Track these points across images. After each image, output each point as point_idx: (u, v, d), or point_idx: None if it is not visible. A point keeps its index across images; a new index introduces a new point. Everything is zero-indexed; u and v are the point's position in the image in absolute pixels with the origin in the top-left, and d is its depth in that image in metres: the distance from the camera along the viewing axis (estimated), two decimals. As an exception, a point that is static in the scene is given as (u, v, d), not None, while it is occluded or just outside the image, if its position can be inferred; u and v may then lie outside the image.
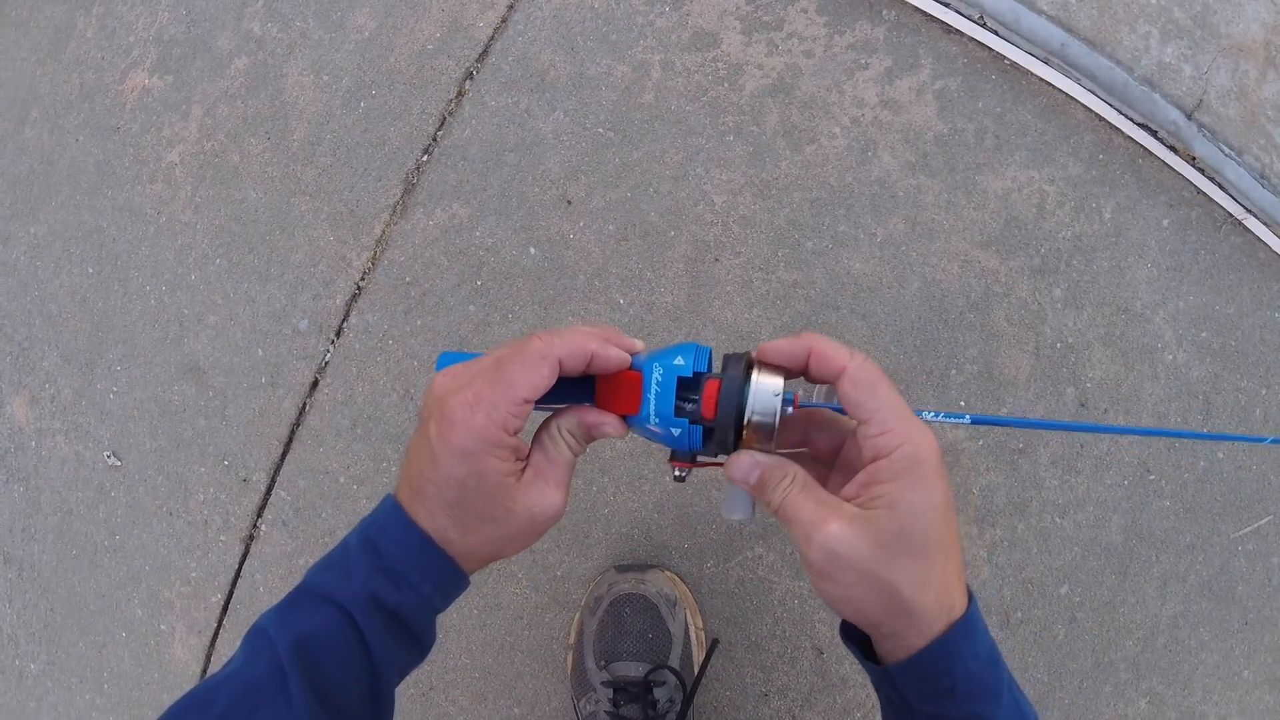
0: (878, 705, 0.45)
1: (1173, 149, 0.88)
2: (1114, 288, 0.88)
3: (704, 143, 0.91)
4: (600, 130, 0.92)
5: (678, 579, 0.85)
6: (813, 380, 0.41)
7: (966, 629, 0.39)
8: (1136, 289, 0.89)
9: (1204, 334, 0.89)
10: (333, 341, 0.93)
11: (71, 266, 1.03)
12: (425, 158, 0.94)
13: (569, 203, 0.91)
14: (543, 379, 0.39)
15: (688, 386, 0.41)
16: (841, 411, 0.41)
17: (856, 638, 0.43)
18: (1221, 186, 0.88)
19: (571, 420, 0.43)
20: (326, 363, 0.93)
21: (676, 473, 0.44)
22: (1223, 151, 0.86)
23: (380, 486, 0.91)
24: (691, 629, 0.82)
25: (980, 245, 0.88)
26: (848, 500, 0.39)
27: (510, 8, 0.95)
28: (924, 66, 0.90)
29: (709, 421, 0.40)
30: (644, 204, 0.91)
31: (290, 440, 0.93)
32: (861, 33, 0.91)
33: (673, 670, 0.76)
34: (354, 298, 0.94)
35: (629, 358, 0.42)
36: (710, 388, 0.40)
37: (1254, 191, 0.86)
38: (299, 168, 0.97)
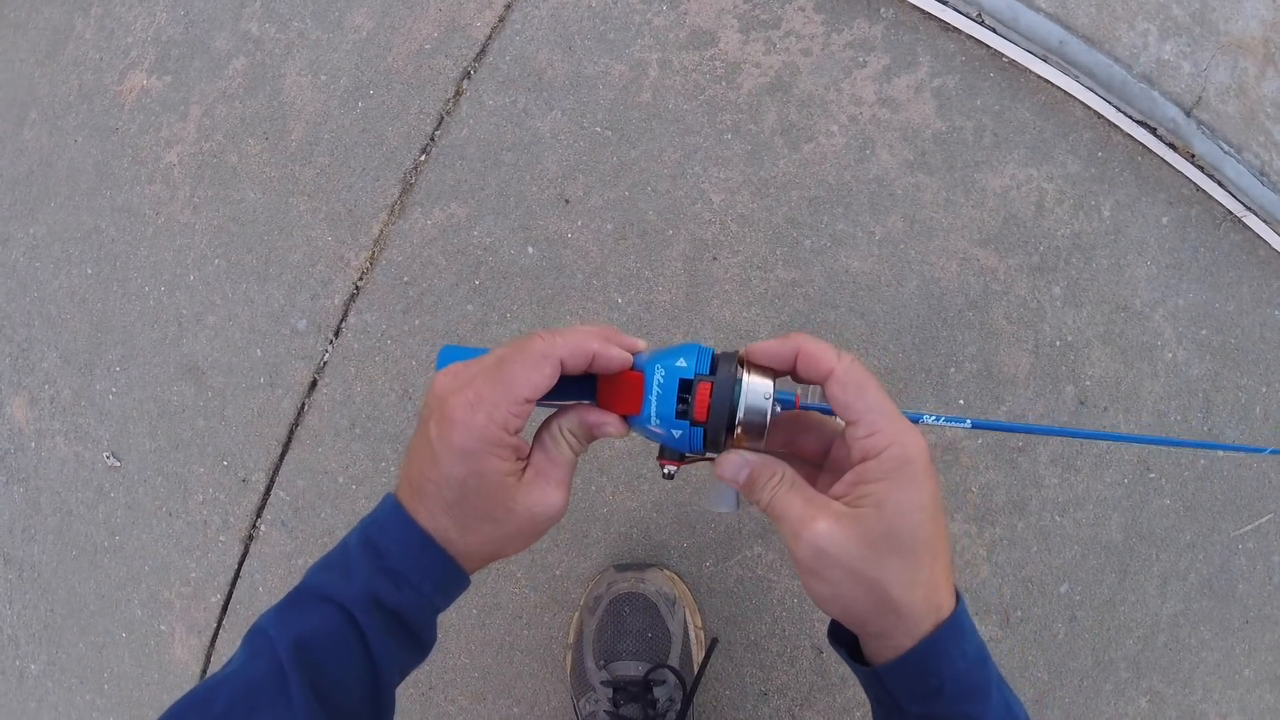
0: (875, 705, 0.45)
1: (1172, 146, 0.88)
2: (1113, 285, 0.88)
3: (702, 141, 0.91)
4: (598, 129, 0.92)
5: (677, 578, 0.85)
6: (800, 381, 0.41)
7: (954, 629, 0.39)
8: (1136, 287, 0.88)
9: (1204, 332, 0.89)
10: (331, 341, 0.93)
11: (70, 267, 1.03)
12: (423, 157, 0.94)
13: (567, 202, 0.91)
14: (544, 379, 0.39)
15: (689, 389, 0.41)
16: (831, 413, 0.41)
17: (845, 639, 0.43)
18: (1221, 184, 0.88)
19: (573, 420, 0.43)
20: (325, 362, 0.93)
21: (666, 470, 0.44)
22: (1222, 149, 0.86)
23: (379, 486, 0.91)
24: (691, 628, 0.82)
25: (979, 243, 0.88)
26: (836, 499, 0.39)
27: (508, 7, 0.95)
28: (922, 64, 0.90)
29: (700, 423, 0.40)
30: (642, 203, 0.91)
31: (289, 440, 0.93)
32: (859, 31, 0.91)
33: (672, 669, 0.76)
34: (352, 297, 0.93)
35: (630, 357, 0.42)
36: (702, 390, 0.40)
37: (1253, 189, 0.86)
38: (297, 168, 0.97)
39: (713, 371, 0.41)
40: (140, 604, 0.97)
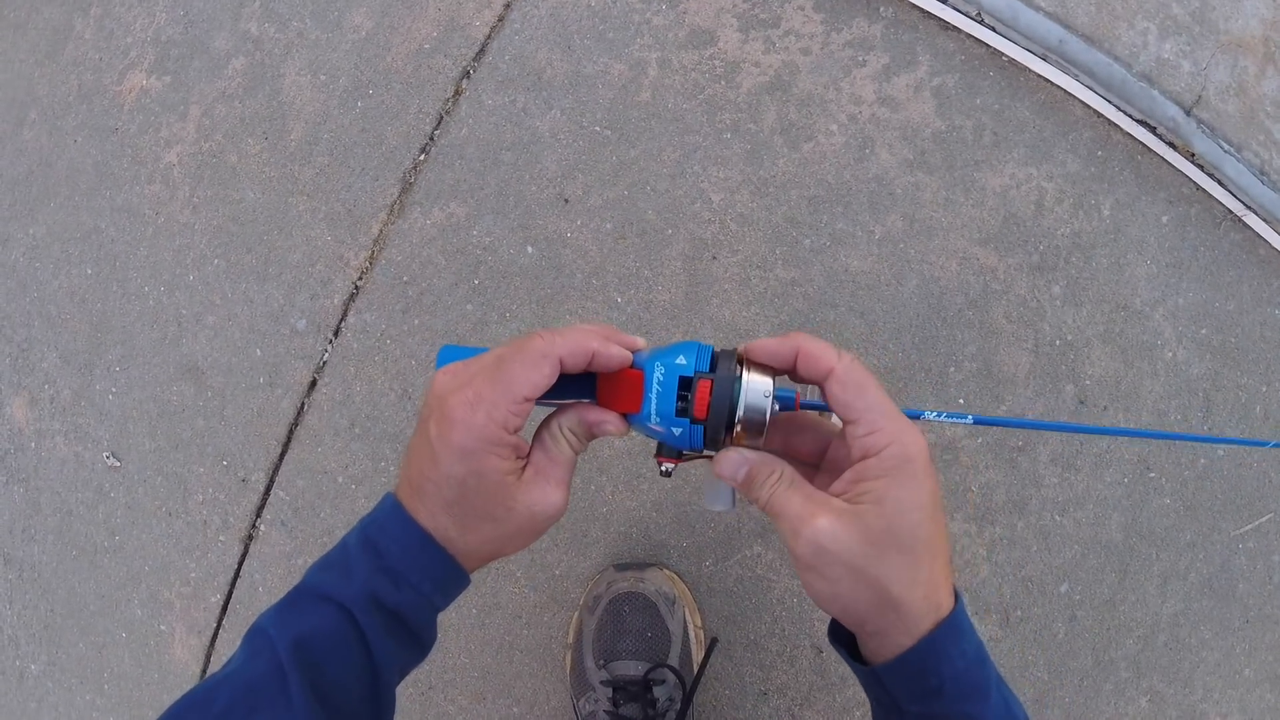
0: (875, 704, 0.45)
1: (1172, 145, 0.88)
2: (1113, 285, 0.88)
3: (701, 141, 0.91)
4: (597, 129, 0.92)
5: (676, 577, 0.85)
6: (799, 380, 0.40)
7: (953, 628, 0.38)
8: (1136, 286, 0.88)
9: (1204, 331, 0.89)
10: (331, 341, 0.93)
11: (70, 267, 1.03)
12: (422, 157, 0.94)
13: (566, 201, 0.91)
14: (544, 378, 0.39)
15: (689, 386, 0.41)
16: (829, 410, 0.40)
17: (844, 638, 0.43)
18: (1221, 183, 0.88)
19: (573, 418, 0.43)
20: (324, 362, 0.93)
21: (663, 468, 0.44)
22: (1222, 148, 0.86)
23: (379, 486, 0.91)
24: (690, 627, 0.82)
25: (979, 242, 0.88)
26: (835, 497, 0.38)
27: (507, 7, 0.95)
28: (921, 63, 0.90)
29: (700, 420, 0.40)
30: (641, 202, 0.91)
31: (289, 440, 0.93)
32: (859, 30, 0.91)
33: (672, 669, 0.76)
34: (352, 297, 0.93)
35: (630, 356, 0.42)
36: (702, 387, 0.40)
37: (1253, 188, 0.86)
38: (296, 168, 0.97)
39: (712, 369, 0.41)
40: (140, 604, 0.97)
